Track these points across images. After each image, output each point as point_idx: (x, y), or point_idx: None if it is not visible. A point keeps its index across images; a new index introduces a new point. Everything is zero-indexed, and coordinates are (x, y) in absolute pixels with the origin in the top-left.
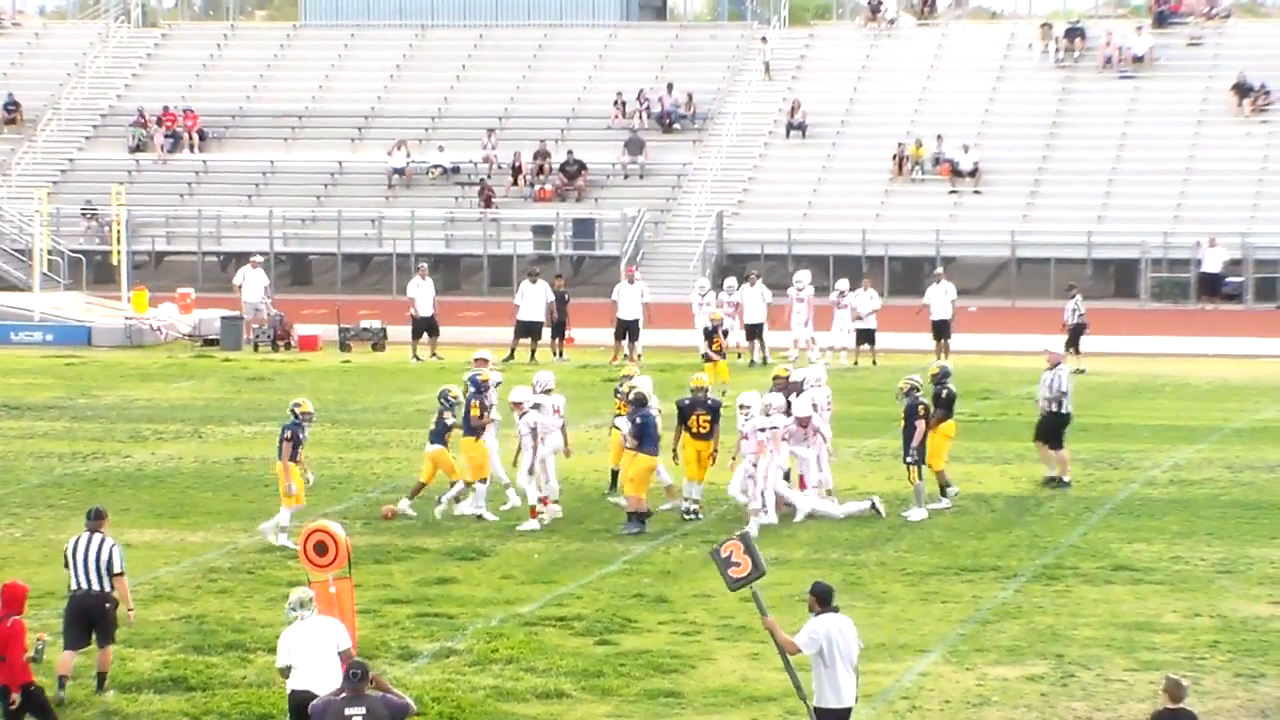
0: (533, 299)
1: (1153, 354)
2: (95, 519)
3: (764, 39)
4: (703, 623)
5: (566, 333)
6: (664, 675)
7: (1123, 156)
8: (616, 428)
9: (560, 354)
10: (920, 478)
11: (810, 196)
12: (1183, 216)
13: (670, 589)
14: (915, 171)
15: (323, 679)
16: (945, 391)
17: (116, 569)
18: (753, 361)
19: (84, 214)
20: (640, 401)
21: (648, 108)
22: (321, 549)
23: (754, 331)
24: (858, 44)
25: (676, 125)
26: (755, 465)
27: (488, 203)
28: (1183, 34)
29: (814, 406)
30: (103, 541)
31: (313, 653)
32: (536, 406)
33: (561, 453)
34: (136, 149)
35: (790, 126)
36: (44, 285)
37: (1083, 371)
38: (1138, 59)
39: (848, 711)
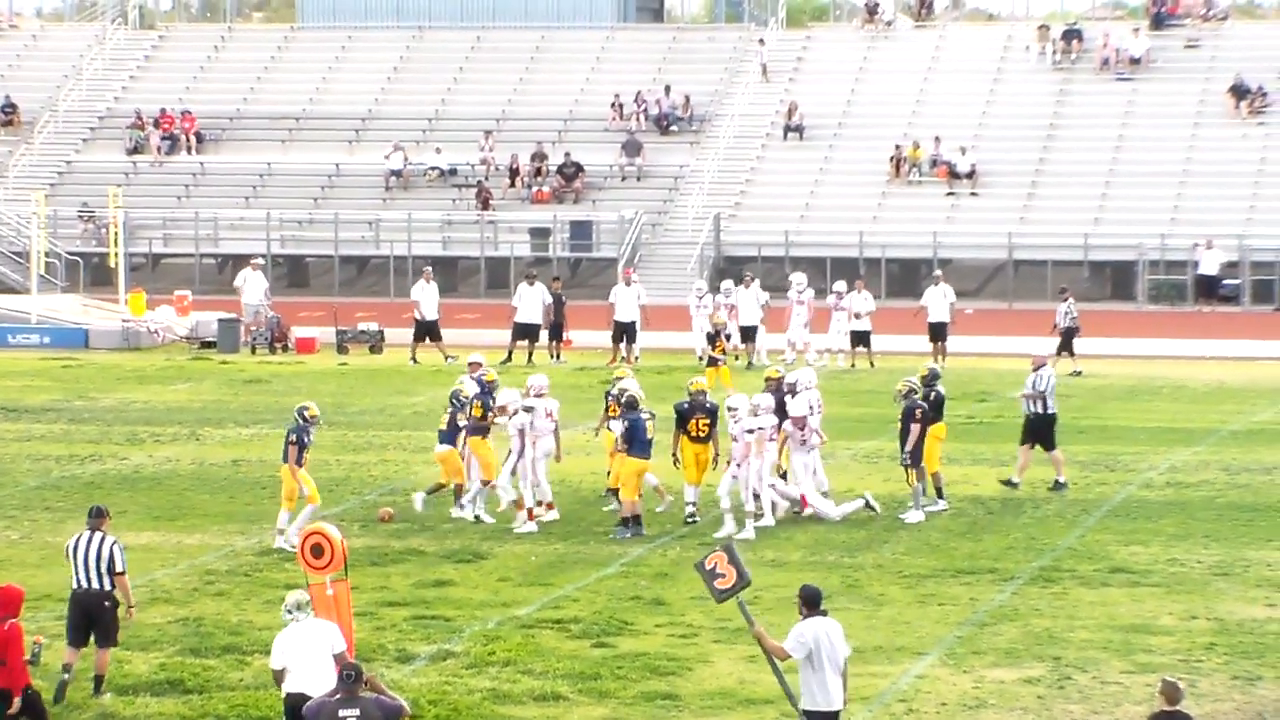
0: (530, 301)
1: (1150, 356)
2: (96, 517)
3: (761, 41)
4: (700, 625)
5: (564, 335)
6: (661, 678)
7: (1120, 158)
8: (610, 430)
9: (557, 356)
10: (918, 480)
11: (807, 198)
12: (1180, 218)
13: (667, 591)
14: (912, 173)
15: (318, 682)
16: (934, 394)
17: (118, 568)
18: (750, 364)
19: (81, 216)
20: (632, 404)
21: (645, 110)
22: (318, 551)
23: (748, 334)
24: (855, 46)
25: (674, 127)
26: (739, 467)
27: (485, 205)
28: (1180, 36)
29: (810, 408)
30: (103, 540)
31: (308, 656)
32: (529, 409)
33: (552, 457)
34: (134, 151)
35: (787, 128)
36: (41, 287)
37: (1079, 373)
38: (1135, 61)
39: (836, 714)
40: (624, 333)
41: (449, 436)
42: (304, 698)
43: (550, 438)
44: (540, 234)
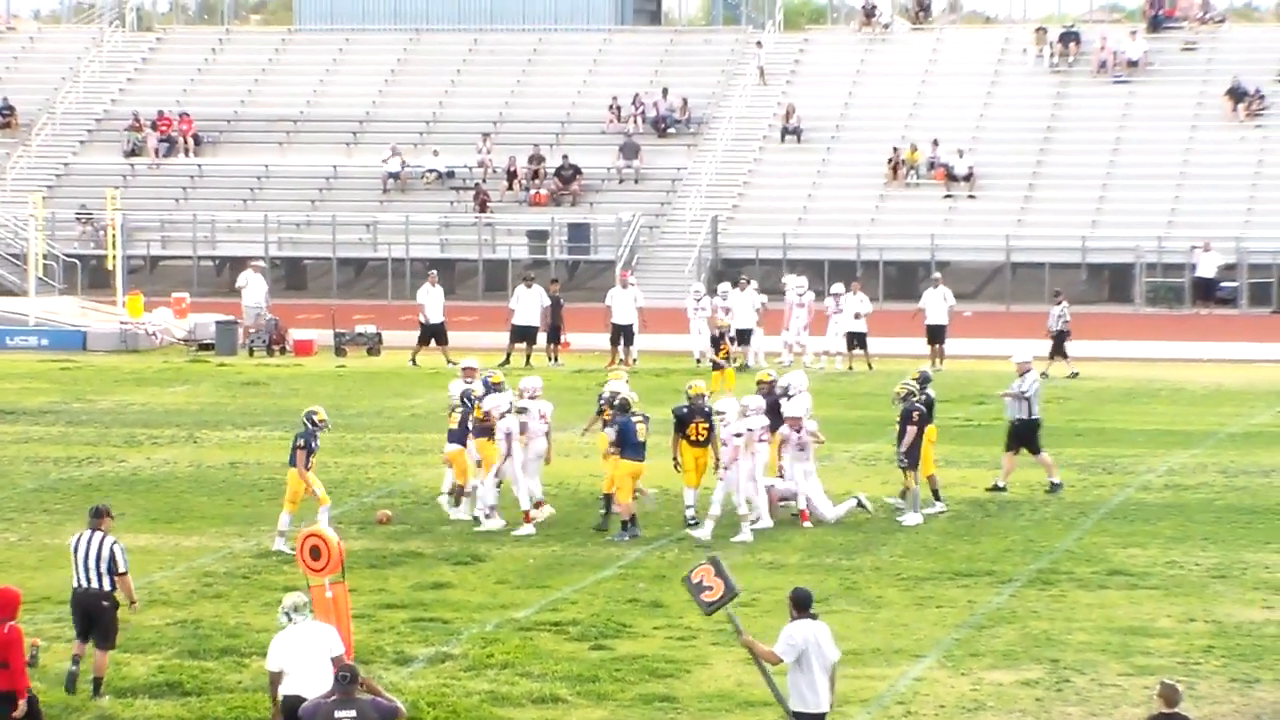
0: (528, 303)
1: (1147, 359)
2: (95, 517)
3: (759, 43)
4: (698, 628)
5: (561, 337)
6: (659, 680)
7: (1117, 161)
8: (606, 433)
9: (555, 359)
10: (915, 483)
11: (805, 201)
12: (1177, 221)
13: (665, 594)
14: (910, 176)
15: (316, 685)
16: (925, 396)
17: (120, 569)
18: (745, 366)
19: (79, 218)
20: (624, 407)
21: (642, 112)
22: (316, 553)
23: (744, 337)
24: (852, 48)
25: (671, 130)
26: (727, 470)
27: (483, 207)
28: (1177, 38)
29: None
30: (103, 540)
31: (305, 658)
32: (522, 409)
33: (544, 459)
34: (131, 153)
35: (785, 131)
36: (39, 290)
37: (1076, 374)
38: (1132, 63)
39: (823, 716)
40: (621, 335)
41: (458, 436)
42: (300, 700)
43: (543, 439)
44: (538, 236)
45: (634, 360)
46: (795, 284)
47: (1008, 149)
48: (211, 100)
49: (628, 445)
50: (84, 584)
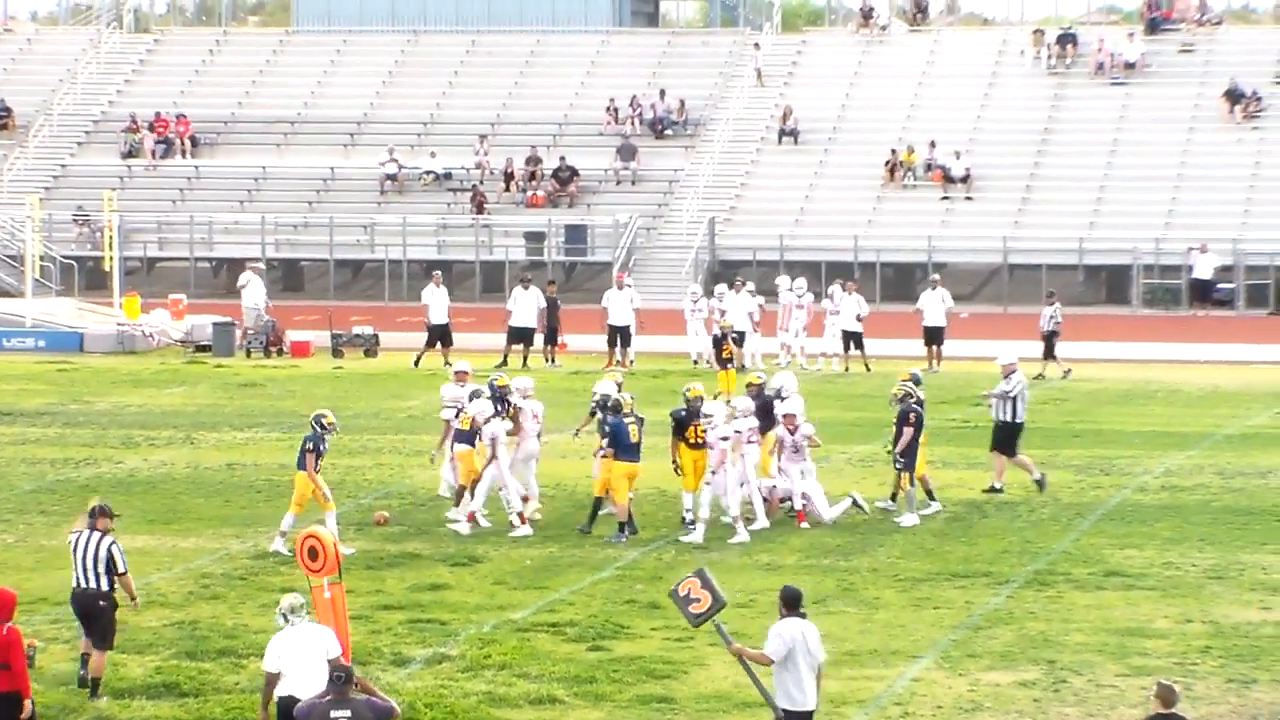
0: (525, 305)
1: (1144, 360)
2: (93, 516)
3: (756, 45)
4: (695, 629)
5: (559, 339)
6: (656, 681)
7: (1114, 163)
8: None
9: (552, 360)
10: (911, 484)
11: (802, 203)
12: (1174, 223)
13: (663, 595)
14: (907, 178)
15: (311, 686)
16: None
17: (119, 569)
18: (742, 367)
19: (76, 220)
20: (616, 408)
21: (640, 114)
22: (313, 554)
23: (738, 339)
24: (850, 50)
25: (669, 131)
26: (714, 474)
27: (480, 209)
28: (1174, 40)
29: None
30: (101, 540)
31: (302, 659)
32: (517, 410)
33: (535, 459)
34: (129, 155)
35: (782, 133)
36: (36, 291)
37: (1069, 372)
38: (1129, 65)
39: (809, 715)
40: (618, 336)
41: (468, 436)
42: (295, 701)
43: (535, 440)
44: (535, 238)
45: (631, 362)
46: (795, 285)
47: (1005, 150)
48: (209, 102)
49: (621, 447)
50: (82, 584)
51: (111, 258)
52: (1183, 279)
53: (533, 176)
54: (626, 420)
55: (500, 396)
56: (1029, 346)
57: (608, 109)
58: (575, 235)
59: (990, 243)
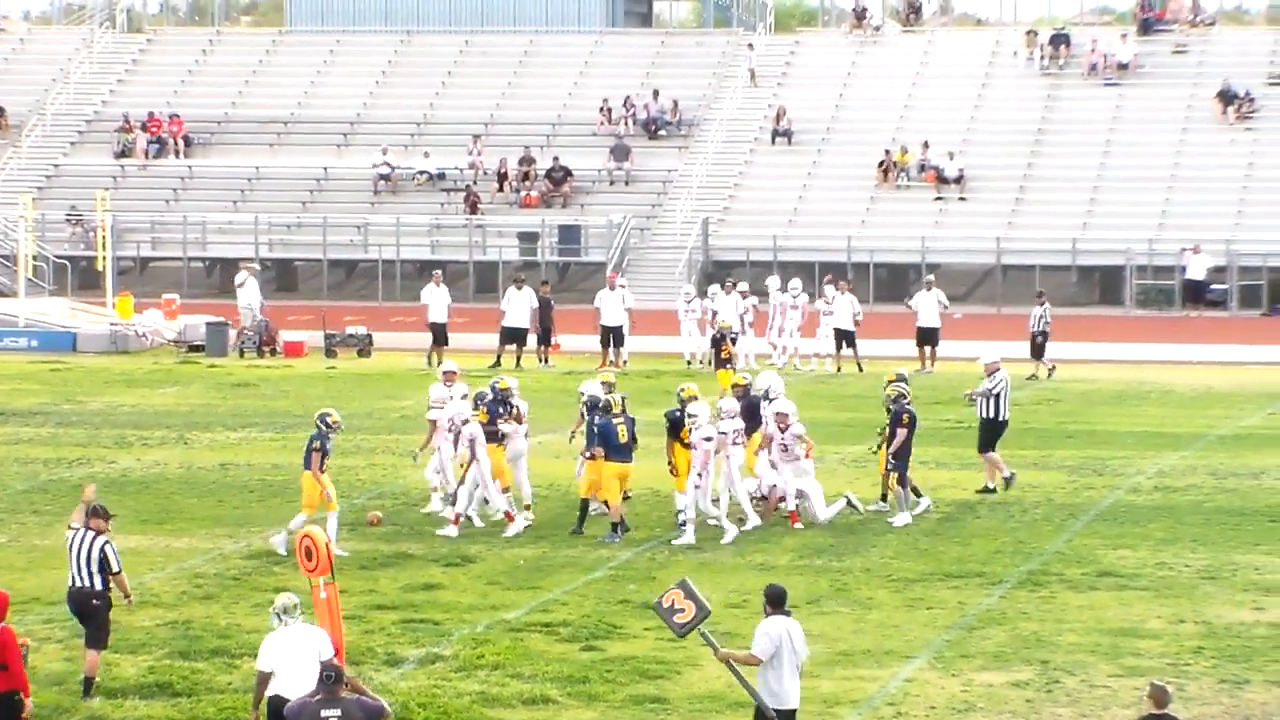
0: (518, 305)
1: (1137, 361)
2: (88, 516)
3: (750, 46)
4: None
5: (552, 339)
6: (650, 681)
7: (1107, 164)
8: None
9: (546, 360)
10: (902, 485)
11: (795, 203)
12: (1167, 224)
13: (655, 595)
14: (900, 178)
15: (302, 686)
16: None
17: (113, 568)
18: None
19: (69, 220)
20: (607, 409)
21: (633, 114)
22: (309, 554)
23: (735, 339)
24: (843, 51)
25: (662, 132)
26: (700, 477)
27: (473, 209)
28: (1167, 41)
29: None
30: (94, 539)
31: (294, 660)
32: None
33: (522, 459)
34: (122, 155)
35: (776, 133)
36: (29, 291)
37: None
38: (1122, 66)
39: (793, 713)
40: (611, 337)
41: (489, 437)
42: (285, 701)
43: (521, 439)
44: (528, 238)
45: (625, 362)
46: (790, 285)
47: (998, 151)
48: (202, 101)
49: (610, 448)
50: (77, 583)
51: (104, 257)
52: (1176, 280)
53: (526, 177)
54: (615, 421)
55: (503, 399)
56: (1018, 347)
57: (601, 109)
58: (569, 235)
59: (983, 243)
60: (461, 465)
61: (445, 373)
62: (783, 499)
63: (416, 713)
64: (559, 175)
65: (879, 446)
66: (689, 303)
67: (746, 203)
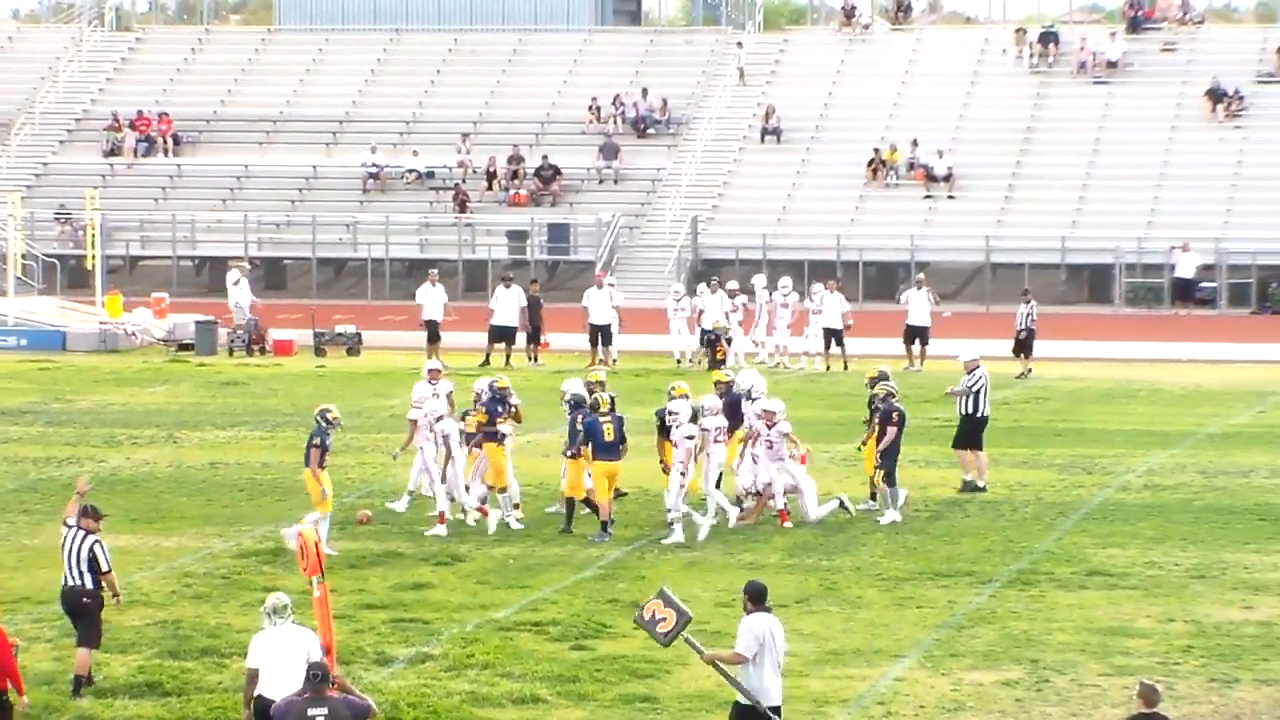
0: (507, 304)
1: (1127, 359)
2: (80, 515)
3: (739, 44)
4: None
5: (541, 338)
6: (639, 680)
7: (1097, 162)
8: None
9: (535, 359)
10: (890, 483)
11: (785, 201)
12: (1156, 222)
13: (646, 594)
14: (890, 176)
15: (287, 688)
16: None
17: (103, 567)
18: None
19: (58, 218)
20: (595, 407)
21: (622, 113)
22: (303, 552)
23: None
24: (832, 49)
25: (651, 130)
26: (684, 476)
27: (462, 207)
28: (1156, 39)
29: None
30: (84, 539)
31: (280, 660)
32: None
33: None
34: (111, 153)
35: (765, 131)
36: (18, 290)
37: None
38: (1111, 64)
39: (777, 709)
40: (599, 335)
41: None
42: (270, 703)
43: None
44: (518, 236)
45: (614, 360)
46: (780, 284)
47: (987, 149)
48: (191, 100)
49: (596, 446)
50: (68, 581)
51: (94, 256)
52: (1165, 278)
53: (515, 175)
54: (602, 419)
55: (501, 398)
56: (1005, 346)
57: (590, 108)
58: (558, 234)
59: (973, 241)
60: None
61: (430, 371)
62: (772, 496)
63: (406, 712)
64: (548, 174)
65: (863, 443)
66: (678, 301)
67: (736, 201)
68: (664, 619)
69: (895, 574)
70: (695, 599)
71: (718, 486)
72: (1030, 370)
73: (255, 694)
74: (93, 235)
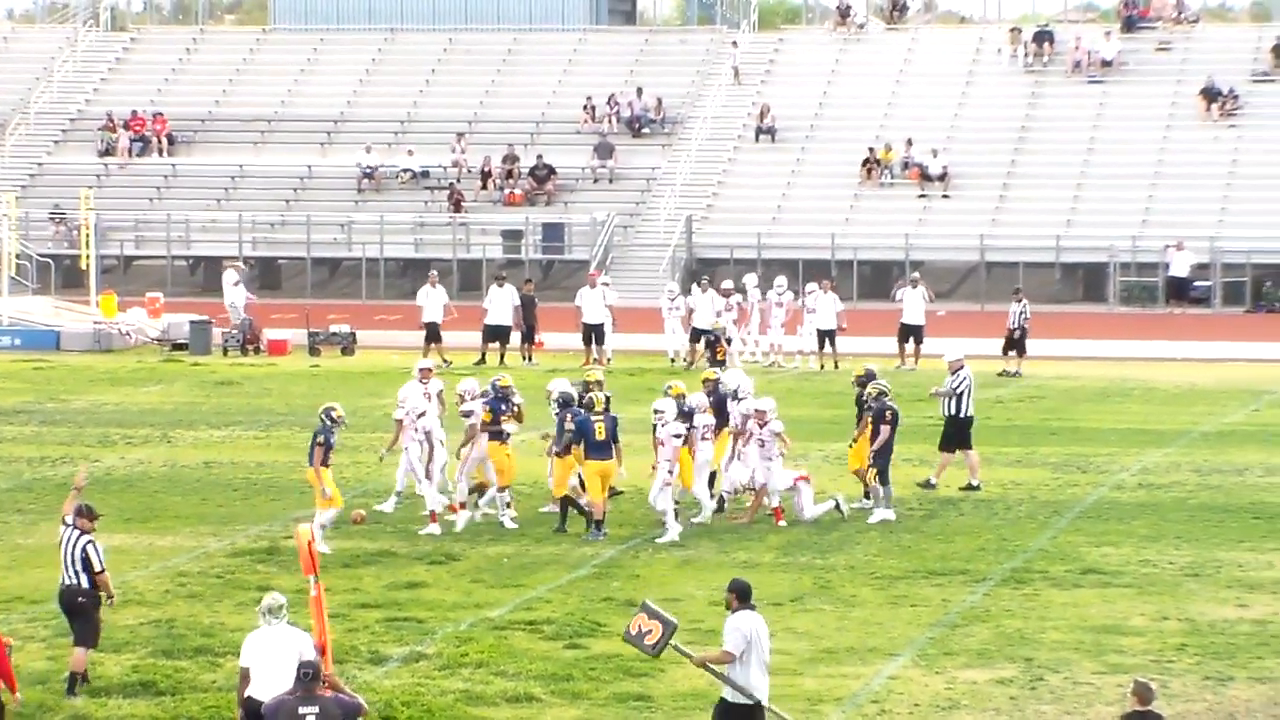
0: (501, 303)
1: (1121, 358)
2: (75, 515)
3: (733, 43)
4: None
5: (535, 337)
6: (633, 679)
7: (1091, 161)
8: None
9: (529, 358)
10: (883, 482)
11: (779, 201)
12: (1151, 221)
13: (640, 593)
14: (884, 176)
15: (275, 688)
16: (863, 395)
17: (96, 567)
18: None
19: (52, 218)
20: (590, 406)
21: (617, 112)
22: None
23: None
24: (827, 48)
25: (646, 129)
26: (671, 474)
27: (457, 207)
28: (1151, 39)
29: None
30: (79, 538)
31: (271, 661)
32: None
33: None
34: (105, 153)
35: (759, 131)
36: (12, 290)
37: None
38: (1106, 63)
39: (762, 707)
40: (593, 335)
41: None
42: (260, 704)
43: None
44: (512, 236)
45: (608, 359)
46: (775, 283)
47: (982, 149)
48: (186, 100)
49: (588, 445)
50: (66, 581)
51: (88, 256)
52: (1159, 277)
53: (510, 175)
54: (594, 418)
55: (504, 396)
56: (997, 345)
57: (585, 107)
58: (552, 233)
59: (967, 240)
60: (458, 457)
61: (421, 369)
62: (767, 495)
63: (400, 711)
64: (543, 173)
65: (854, 441)
66: (672, 300)
67: (730, 200)
68: (650, 630)
69: (889, 572)
70: (689, 597)
71: (711, 485)
72: (1019, 370)
73: (246, 694)
74: (87, 235)
